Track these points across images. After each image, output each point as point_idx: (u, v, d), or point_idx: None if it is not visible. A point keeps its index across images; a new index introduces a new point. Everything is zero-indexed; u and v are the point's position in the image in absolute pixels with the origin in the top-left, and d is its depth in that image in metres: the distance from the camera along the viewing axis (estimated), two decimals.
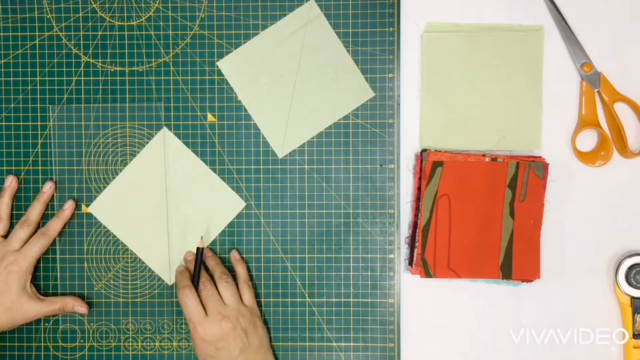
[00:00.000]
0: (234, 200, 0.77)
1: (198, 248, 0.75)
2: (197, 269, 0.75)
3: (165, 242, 0.77)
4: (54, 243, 0.78)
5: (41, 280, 0.78)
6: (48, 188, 0.77)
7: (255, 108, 0.77)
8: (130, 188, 0.78)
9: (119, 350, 0.79)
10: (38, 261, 0.78)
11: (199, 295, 0.73)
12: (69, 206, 0.77)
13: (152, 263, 0.78)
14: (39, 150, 0.78)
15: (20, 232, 0.76)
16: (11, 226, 0.78)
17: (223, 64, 0.77)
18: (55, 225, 0.77)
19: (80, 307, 0.77)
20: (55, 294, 0.78)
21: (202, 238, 0.77)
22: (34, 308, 0.75)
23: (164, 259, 0.78)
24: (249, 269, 0.78)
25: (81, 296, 0.78)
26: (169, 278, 0.78)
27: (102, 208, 0.78)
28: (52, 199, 0.78)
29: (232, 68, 0.77)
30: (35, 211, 0.77)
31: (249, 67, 0.77)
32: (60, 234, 0.78)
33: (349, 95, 0.77)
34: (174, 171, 0.77)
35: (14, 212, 0.78)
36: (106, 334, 0.79)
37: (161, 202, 0.76)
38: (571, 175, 0.77)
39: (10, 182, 0.77)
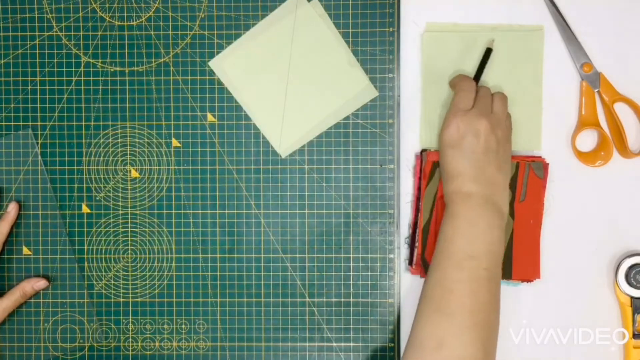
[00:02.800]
0: None
1: (488, 49, 0.74)
2: (480, 69, 0.74)
3: (287, 112, 0.77)
4: (54, 243, 0.78)
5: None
6: (12, 208, 0.77)
7: (254, 108, 0.77)
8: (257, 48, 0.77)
9: (118, 350, 0.79)
10: (37, 261, 0.78)
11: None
12: (12, 207, 0.76)
13: (268, 133, 0.77)
14: (39, 150, 0.78)
15: None
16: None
17: (215, 64, 0.77)
18: (1, 228, 0.76)
19: (38, 283, 0.76)
20: (55, 294, 0.78)
21: (493, 41, 0.75)
22: (3, 310, 0.74)
23: (280, 130, 0.77)
24: (247, 269, 0.78)
25: (81, 296, 0.79)
26: (282, 150, 0.77)
27: (225, 64, 0.77)
28: (18, 217, 0.77)
29: (227, 68, 0.77)
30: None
31: (247, 66, 0.77)
32: (61, 232, 0.78)
33: (353, 95, 0.77)
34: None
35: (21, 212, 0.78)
36: (106, 334, 0.79)
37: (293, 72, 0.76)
38: (571, 175, 0.77)
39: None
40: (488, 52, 0.75)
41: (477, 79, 0.74)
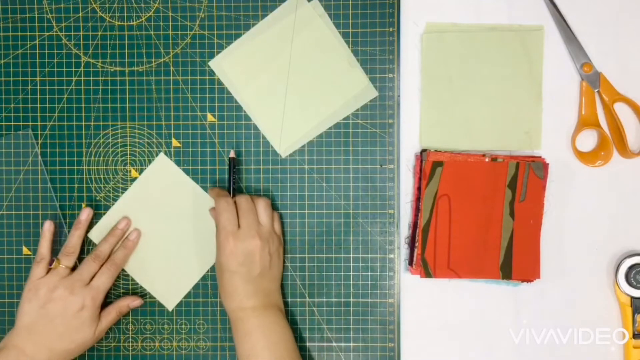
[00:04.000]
0: None
1: (231, 159, 0.75)
2: (230, 180, 0.74)
3: (167, 267, 0.77)
4: (55, 243, 0.78)
5: None
6: (124, 225, 0.77)
7: (254, 108, 0.77)
8: (127, 214, 0.78)
9: (118, 350, 0.79)
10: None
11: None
12: (135, 236, 0.77)
13: (154, 289, 0.78)
14: (39, 150, 0.78)
15: (92, 266, 0.74)
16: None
17: (215, 64, 0.77)
18: (122, 255, 0.76)
19: (134, 301, 0.77)
20: None
21: (233, 148, 0.76)
22: (101, 331, 0.74)
23: (165, 285, 0.78)
24: None
25: None
26: (169, 304, 0.78)
27: (102, 234, 0.78)
28: (124, 234, 0.77)
29: (227, 68, 0.77)
30: (107, 245, 0.76)
31: (247, 66, 0.77)
32: (61, 233, 0.78)
33: (353, 95, 0.77)
34: (172, 197, 0.78)
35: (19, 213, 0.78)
36: (106, 334, 0.79)
37: (159, 229, 0.77)
38: (571, 175, 0.77)
39: (87, 216, 0.77)
40: (232, 162, 0.75)
41: (233, 192, 0.74)
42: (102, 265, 0.75)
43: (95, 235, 0.78)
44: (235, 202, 0.72)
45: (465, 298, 0.77)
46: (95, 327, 0.73)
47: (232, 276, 0.70)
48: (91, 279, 0.74)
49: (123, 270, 0.78)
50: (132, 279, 0.78)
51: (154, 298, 0.78)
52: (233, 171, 0.75)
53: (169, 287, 0.78)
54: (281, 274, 0.75)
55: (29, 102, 0.78)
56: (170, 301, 0.78)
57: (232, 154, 0.75)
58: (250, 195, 0.74)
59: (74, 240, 0.75)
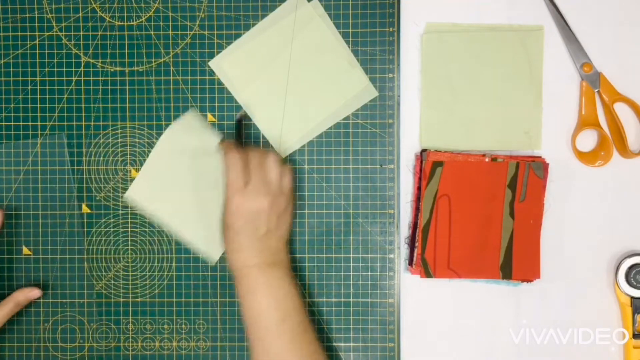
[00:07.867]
0: None
1: (241, 117, 0.75)
2: (242, 138, 0.74)
3: (206, 221, 0.77)
4: (54, 243, 0.78)
5: (40, 280, 0.78)
6: None
7: (254, 108, 0.77)
8: (163, 171, 0.77)
9: (118, 350, 0.79)
10: (37, 261, 0.78)
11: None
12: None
13: (196, 245, 0.77)
14: (39, 150, 0.78)
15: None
16: None
17: (215, 64, 0.77)
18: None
19: (31, 292, 0.75)
20: (55, 294, 0.78)
21: (243, 108, 0.76)
22: None
23: (205, 239, 0.77)
24: None
25: (81, 296, 0.79)
26: (211, 257, 0.77)
27: (141, 191, 0.77)
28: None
29: (227, 68, 0.77)
30: None
31: (247, 66, 0.77)
32: (61, 232, 0.78)
33: (353, 95, 0.77)
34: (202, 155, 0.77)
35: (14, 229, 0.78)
36: (106, 334, 0.79)
37: (195, 185, 0.77)
38: (571, 175, 0.77)
39: None
40: (241, 120, 0.75)
41: (241, 144, 0.73)
42: None
43: (134, 192, 0.77)
44: (245, 156, 0.70)
45: (465, 298, 0.77)
46: None
47: (237, 234, 0.69)
48: None
49: (163, 230, 0.77)
50: (168, 236, 0.78)
51: (154, 298, 0.78)
52: (242, 130, 0.74)
53: (209, 241, 0.77)
54: (289, 232, 0.74)
55: (29, 102, 0.78)
56: (212, 255, 0.77)
57: (242, 112, 0.75)
58: (261, 150, 0.72)
59: None
